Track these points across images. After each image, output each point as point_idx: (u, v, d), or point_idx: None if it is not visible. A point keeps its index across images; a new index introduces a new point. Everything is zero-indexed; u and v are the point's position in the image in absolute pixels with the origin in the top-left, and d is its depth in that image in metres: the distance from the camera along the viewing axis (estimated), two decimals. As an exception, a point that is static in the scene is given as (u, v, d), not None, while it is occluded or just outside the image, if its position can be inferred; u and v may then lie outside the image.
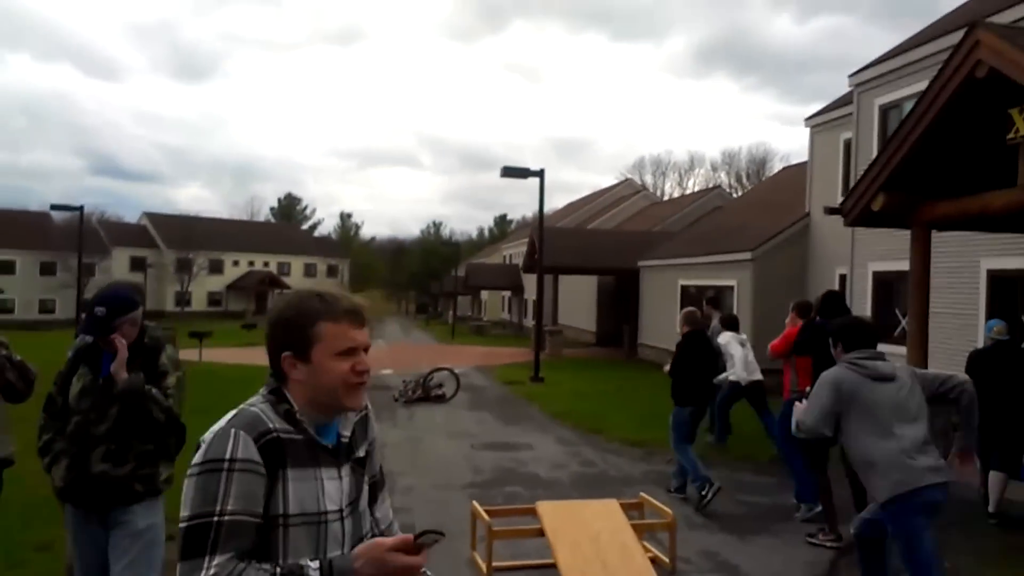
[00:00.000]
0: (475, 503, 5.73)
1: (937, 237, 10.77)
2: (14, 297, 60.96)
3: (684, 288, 21.34)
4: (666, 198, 54.40)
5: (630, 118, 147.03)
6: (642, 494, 6.11)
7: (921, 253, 8.95)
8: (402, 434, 11.08)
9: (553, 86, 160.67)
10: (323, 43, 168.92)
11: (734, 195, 43.18)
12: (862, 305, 14.49)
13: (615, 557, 4.96)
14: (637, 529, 5.53)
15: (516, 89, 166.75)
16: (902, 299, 13.37)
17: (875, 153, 13.32)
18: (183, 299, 67.61)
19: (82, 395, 3.33)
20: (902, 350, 12.80)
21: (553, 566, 4.99)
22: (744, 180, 71.40)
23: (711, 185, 51.17)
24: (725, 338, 9.82)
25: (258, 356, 11.38)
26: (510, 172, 17.90)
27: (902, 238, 12.64)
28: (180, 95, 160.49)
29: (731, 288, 18.64)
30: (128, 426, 3.31)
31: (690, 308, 8.34)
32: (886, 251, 13.74)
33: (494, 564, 5.25)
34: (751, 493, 7.81)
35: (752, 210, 22.90)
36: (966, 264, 12.12)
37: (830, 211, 9.77)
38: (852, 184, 13.71)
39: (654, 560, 5.55)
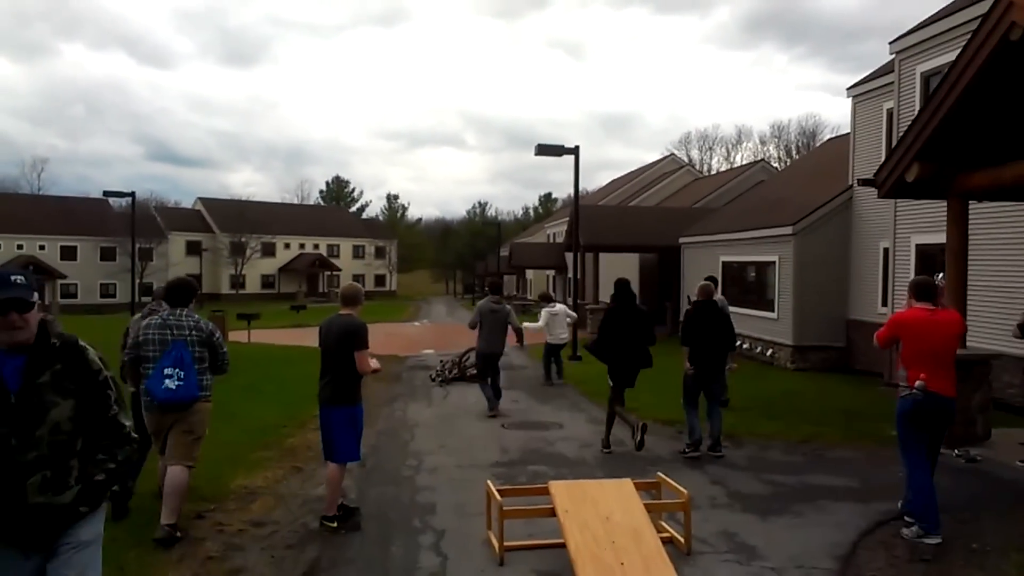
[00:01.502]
0: (489, 482, 5.78)
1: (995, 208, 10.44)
2: (77, 282, 63.13)
3: (726, 264, 21.03)
4: (713, 173, 53.53)
5: (676, 92, 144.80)
6: (659, 474, 6.08)
7: (957, 224, 8.70)
8: (435, 413, 11.20)
9: (597, 62, 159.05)
10: (367, 25, 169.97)
11: (781, 169, 42.28)
12: (904, 280, 14.09)
13: (626, 538, 4.96)
14: (653, 509, 5.52)
15: (560, 66, 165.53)
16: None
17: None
18: (237, 282, 69.12)
19: None
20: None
21: (565, 546, 5.01)
22: (794, 153, 69.79)
23: (759, 159, 50.12)
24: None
25: (304, 337, 11.59)
26: (545, 150, 17.79)
27: (943, 209, 12.29)
28: (230, 80, 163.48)
29: (772, 264, 18.32)
30: (65, 449, 2.87)
31: (707, 280, 9.11)
32: (929, 223, 13.33)
33: (507, 543, 5.29)
34: (778, 472, 7.71)
35: (795, 184, 22.41)
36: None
37: (864, 183, 9.53)
38: (894, 155, 13.33)
39: (670, 540, 5.53)
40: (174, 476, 5.63)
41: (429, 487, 7.17)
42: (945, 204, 11.57)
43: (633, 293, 9.15)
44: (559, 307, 14.50)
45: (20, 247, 61.14)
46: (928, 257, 13.65)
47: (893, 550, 5.44)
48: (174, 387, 5.61)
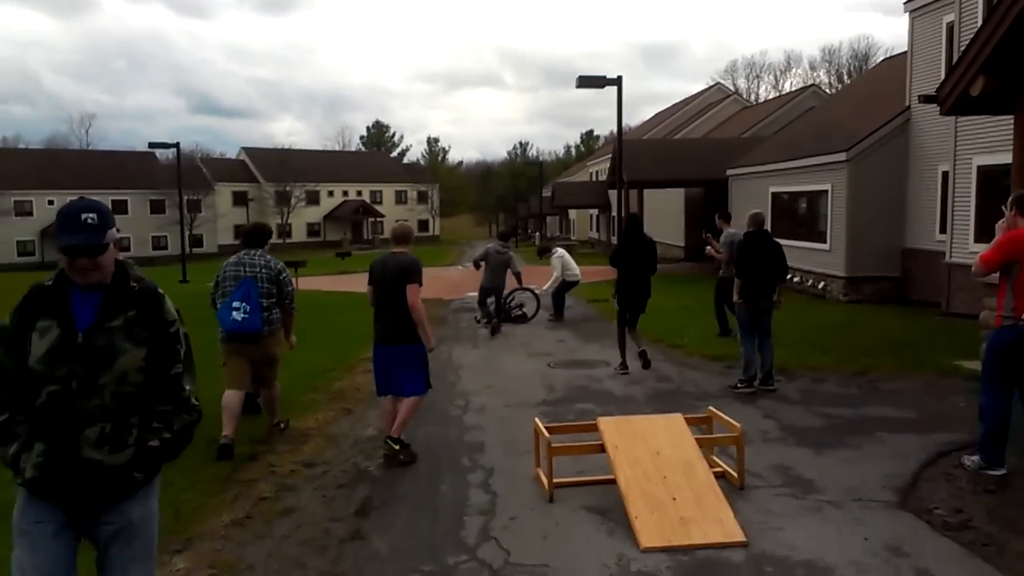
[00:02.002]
0: (537, 420, 5.72)
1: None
2: (129, 235, 64.50)
3: (775, 195, 20.47)
4: (761, 102, 51.88)
5: (720, 19, 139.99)
6: (711, 408, 5.96)
7: (1025, 142, 8.19)
8: (480, 354, 11.19)
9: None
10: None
11: (832, 94, 40.75)
12: (965, 205, 13.53)
13: (677, 472, 4.88)
14: (704, 444, 5.42)
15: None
16: (1008, 196, 12.40)
17: (982, 36, 12.17)
18: (284, 231, 69.90)
19: (52, 357, 2.54)
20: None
21: (615, 482, 4.96)
22: (845, 78, 67.21)
23: (809, 84, 48.39)
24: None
25: (350, 283, 11.62)
26: (586, 82, 17.26)
27: (1008, 127, 11.65)
28: (267, 28, 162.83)
29: (825, 193, 17.74)
30: (129, 403, 2.61)
31: (757, 210, 8.79)
32: (992, 143, 12.70)
33: (556, 480, 5.25)
34: (832, 405, 7.53)
35: (848, 109, 21.54)
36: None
37: (925, 99, 9.04)
38: (955, 73, 12.62)
39: (722, 475, 5.44)
40: (268, 395, 6.73)
41: (477, 426, 7.17)
42: (1012, 120, 10.99)
43: (642, 227, 9.96)
44: (560, 250, 15.69)
45: (73, 203, 62.56)
46: (990, 180, 13.05)
47: (955, 481, 5.26)
48: (240, 319, 6.18)
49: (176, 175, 31.36)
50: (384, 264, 6.15)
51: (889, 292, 16.59)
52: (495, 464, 6.00)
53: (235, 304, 6.20)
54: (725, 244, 11.31)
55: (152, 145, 29.86)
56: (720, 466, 5.55)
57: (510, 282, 13.99)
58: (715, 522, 4.48)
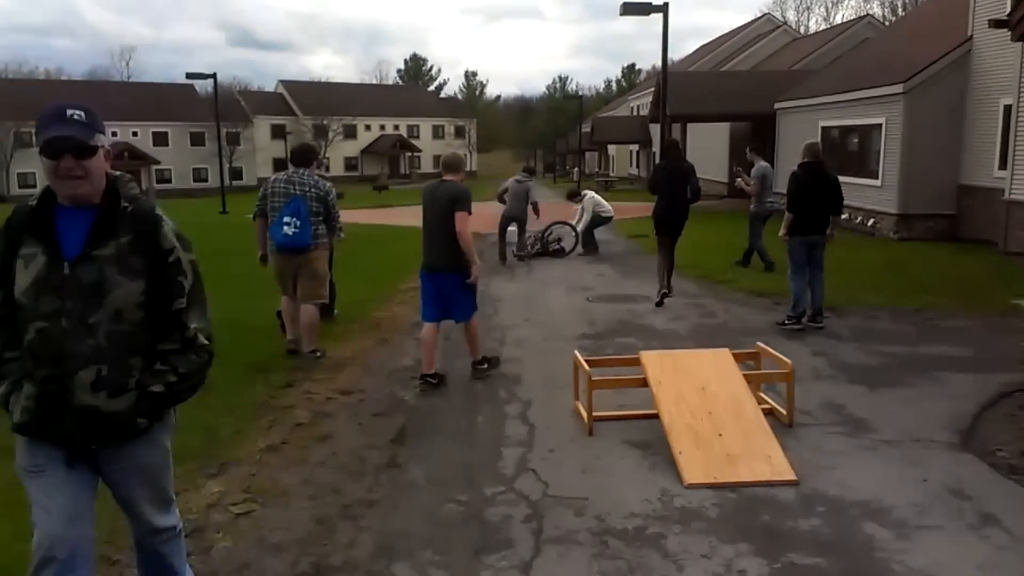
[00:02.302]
0: (577, 352, 5.54)
1: None
2: (170, 167, 65.03)
3: (825, 130, 19.68)
4: (811, 33, 49.83)
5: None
6: (760, 343, 5.71)
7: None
8: (518, 288, 11.02)
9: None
10: None
11: (887, 25, 38.90)
12: (1032, 138, 12.82)
13: (724, 408, 4.68)
14: (752, 380, 5.20)
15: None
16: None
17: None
18: (322, 164, 69.80)
19: (39, 289, 2.26)
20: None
21: (658, 417, 4.78)
22: (900, 11, 64.18)
23: (863, 15, 46.30)
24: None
25: (388, 216, 11.51)
26: (631, 8, 16.59)
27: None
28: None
29: (878, 127, 16.98)
30: (128, 343, 2.32)
31: (813, 140, 8.34)
32: (1065, 73, 11.93)
33: (596, 414, 5.09)
34: (886, 343, 7.22)
35: (904, 40, 20.46)
36: None
37: (996, 24, 8.44)
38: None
39: (771, 412, 5.23)
40: (307, 313, 6.80)
41: (515, 359, 7.02)
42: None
43: (680, 153, 10.23)
44: (591, 192, 15.58)
45: (115, 134, 62.93)
46: (1060, 112, 12.31)
47: (1020, 423, 4.99)
48: (291, 233, 6.51)
49: (214, 107, 31.27)
50: (434, 191, 6.15)
51: (943, 230, 15.97)
52: (533, 397, 5.86)
53: (286, 220, 6.53)
54: (756, 178, 11.38)
55: (189, 76, 29.71)
56: (768, 403, 5.34)
57: (566, 217, 14.32)
58: (763, 459, 4.29)
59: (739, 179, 12.00)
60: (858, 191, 17.52)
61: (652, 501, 4.03)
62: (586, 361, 5.35)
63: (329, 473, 4.49)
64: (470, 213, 5.98)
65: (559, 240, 14.51)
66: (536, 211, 13.65)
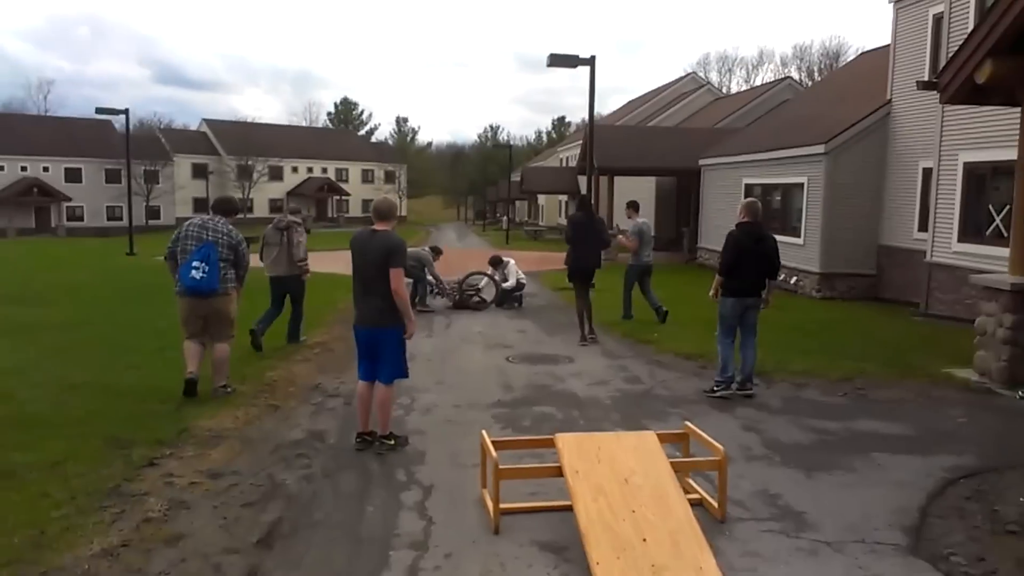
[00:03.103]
0: (484, 433, 4.84)
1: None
2: (83, 204, 62.17)
3: (749, 187, 19.76)
4: (735, 93, 51.28)
5: (695, 13, 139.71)
6: (687, 423, 5.13)
7: (1036, 134, 7.48)
8: (435, 344, 10.29)
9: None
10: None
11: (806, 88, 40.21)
12: (949, 203, 12.92)
13: (649, 506, 4.04)
14: (680, 468, 4.60)
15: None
16: (997, 194, 11.80)
17: (971, 26, 11.49)
18: (245, 205, 68.02)
19: None
20: (996, 250, 11.36)
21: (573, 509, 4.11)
22: (816, 75, 67.00)
23: (784, 77, 47.91)
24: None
25: (312, 261, 10.71)
26: (559, 60, 16.43)
27: (1002, 122, 11.01)
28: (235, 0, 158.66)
29: (800, 186, 17.06)
30: None
31: (752, 199, 8.04)
32: (982, 139, 12.06)
33: (504, 506, 4.40)
34: (819, 416, 6.76)
35: (824, 102, 20.89)
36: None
37: (925, 85, 8.33)
38: (943, 62, 11.95)
39: (699, 502, 4.64)
40: (220, 351, 7.05)
41: (420, 431, 6.28)
42: (1003, 115, 10.34)
43: (590, 206, 11.12)
44: (511, 261, 14.69)
45: (24, 169, 60.03)
46: (978, 177, 12.43)
47: (970, 518, 4.51)
48: (199, 277, 6.73)
49: (136, 144, 29.91)
50: (366, 242, 5.72)
51: (863, 289, 16.01)
52: (436, 480, 5.14)
53: (195, 263, 6.74)
54: (634, 233, 11.89)
55: (100, 111, 28.23)
56: (698, 492, 4.75)
57: (464, 266, 13.70)
58: (694, 571, 3.65)
59: (620, 236, 12.32)
60: (781, 249, 17.41)
61: (563, 626, 3.34)
62: (495, 443, 4.66)
63: (171, 589, 3.66)
64: (405, 268, 5.72)
65: (478, 290, 13.90)
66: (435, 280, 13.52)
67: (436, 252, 14.03)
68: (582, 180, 36.31)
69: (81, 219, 61.60)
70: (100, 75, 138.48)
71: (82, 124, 65.75)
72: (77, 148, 62.05)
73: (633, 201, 12.65)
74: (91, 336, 10.40)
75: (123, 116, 28.31)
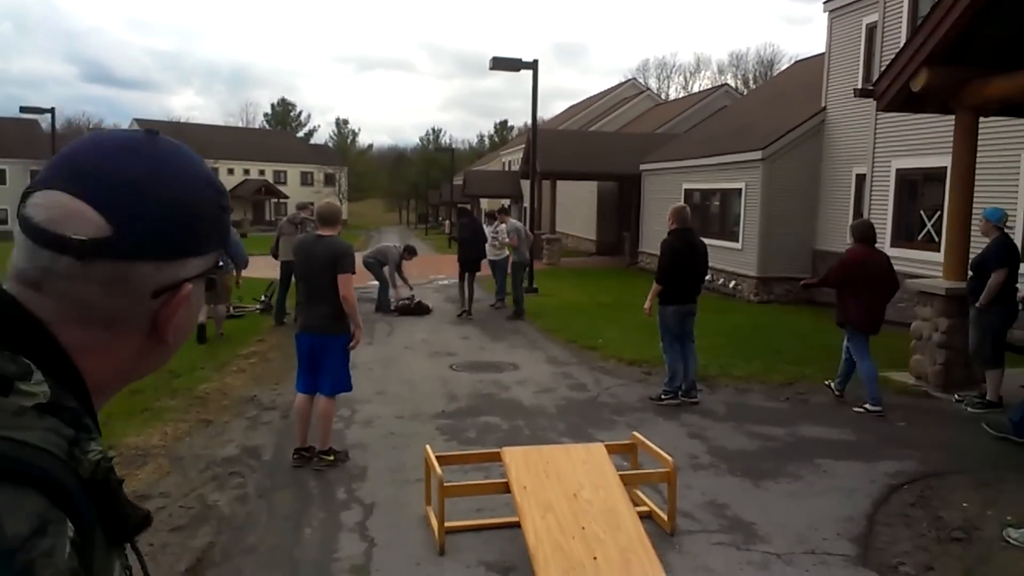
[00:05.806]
0: (428, 448, 4.67)
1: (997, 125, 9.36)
2: (6, 207, 59.57)
3: (688, 192, 19.98)
4: (674, 99, 52.05)
5: (634, 19, 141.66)
6: (635, 434, 5.05)
7: (967, 140, 7.66)
8: (376, 352, 10.04)
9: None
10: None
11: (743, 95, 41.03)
12: (882, 208, 13.23)
13: (599, 522, 3.93)
14: (629, 481, 4.51)
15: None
16: (928, 200, 12.13)
17: (904, 37, 11.78)
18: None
19: None
20: (928, 255, 11.67)
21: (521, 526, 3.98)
22: (752, 83, 68.54)
23: (721, 84, 48.82)
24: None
25: (249, 267, 10.40)
26: (501, 64, 16.30)
27: (933, 130, 11.31)
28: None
29: (738, 191, 17.31)
30: None
31: (681, 205, 7.95)
32: (913, 146, 12.38)
33: (448, 525, 4.24)
34: (763, 423, 6.77)
35: (762, 108, 21.28)
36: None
37: (862, 93, 8.47)
38: (876, 70, 12.23)
39: (648, 515, 4.55)
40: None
41: (361, 444, 6.07)
42: (936, 123, 10.61)
43: (473, 215, 12.95)
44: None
45: (-60, 170, 57.31)
46: (909, 183, 12.76)
47: (916, 526, 4.52)
48: None
49: (62, 144, 28.66)
50: (311, 247, 5.57)
51: (799, 293, 16.29)
52: (377, 497, 4.94)
53: None
54: (512, 232, 13.00)
55: (24, 110, 27.06)
56: (647, 504, 4.67)
57: (435, 271, 14.07)
58: (646, 589, 3.55)
59: (505, 240, 13.12)
60: (720, 253, 17.71)
61: (512, 653, 3.20)
62: (439, 458, 4.50)
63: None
64: (354, 273, 5.53)
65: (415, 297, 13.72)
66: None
67: (411, 252, 14.10)
68: (525, 184, 36.32)
69: (5, 223, 59.00)
70: (25, 73, 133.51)
71: (6, 123, 62.94)
72: (1, 148, 59.49)
73: (502, 207, 14.24)
74: None
75: (49, 115, 27.29)
